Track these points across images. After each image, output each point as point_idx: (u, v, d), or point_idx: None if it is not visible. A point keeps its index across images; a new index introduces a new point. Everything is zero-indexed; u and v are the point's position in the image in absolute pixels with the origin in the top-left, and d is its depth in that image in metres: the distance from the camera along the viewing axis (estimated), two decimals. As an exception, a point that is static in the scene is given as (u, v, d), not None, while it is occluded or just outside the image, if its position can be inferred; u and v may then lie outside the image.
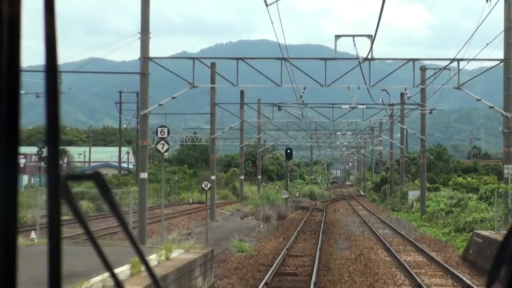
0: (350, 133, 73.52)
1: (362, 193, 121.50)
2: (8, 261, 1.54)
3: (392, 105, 60.04)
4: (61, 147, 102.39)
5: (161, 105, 36.76)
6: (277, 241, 39.35)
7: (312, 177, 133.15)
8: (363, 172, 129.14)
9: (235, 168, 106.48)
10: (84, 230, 1.72)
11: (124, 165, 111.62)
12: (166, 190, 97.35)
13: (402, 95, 68.87)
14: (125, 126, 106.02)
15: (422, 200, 56.85)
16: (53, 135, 1.58)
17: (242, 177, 74.02)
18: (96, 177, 1.71)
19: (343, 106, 44.49)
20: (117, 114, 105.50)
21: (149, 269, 1.93)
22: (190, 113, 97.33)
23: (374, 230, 46.60)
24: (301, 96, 37.59)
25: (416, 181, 78.01)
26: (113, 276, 1.80)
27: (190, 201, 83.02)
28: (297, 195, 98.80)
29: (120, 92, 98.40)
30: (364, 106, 45.24)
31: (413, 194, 69.15)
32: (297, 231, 44.98)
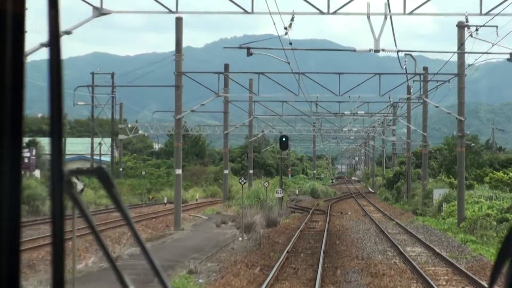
0: (362, 112, 56.89)
1: (371, 190, 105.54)
2: (11, 256, 1.51)
3: (420, 75, 44.32)
4: (32, 138, 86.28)
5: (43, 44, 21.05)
6: (250, 273, 23.55)
7: (314, 172, 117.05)
8: (372, 167, 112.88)
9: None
10: (88, 225, 1.70)
11: (104, 158, 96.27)
12: (146, 187, 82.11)
13: (425, 69, 53.15)
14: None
15: (460, 202, 41.02)
16: (57, 131, 1.56)
17: (227, 172, 58.30)
18: (99, 172, 1.70)
19: (358, 49, 28.84)
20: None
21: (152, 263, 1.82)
22: (149, 86, 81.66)
23: (400, 247, 30.82)
24: (285, 31, 21.80)
25: (442, 176, 62.21)
26: (116, 270, 1.75)
27: (165, 201, 67.17)
28: (297, 193, 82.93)
29: (93, 73, 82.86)
30: (396, 49, 29.52)
31: (439, 194, 53.32)
32: (287, 251, 29.27)
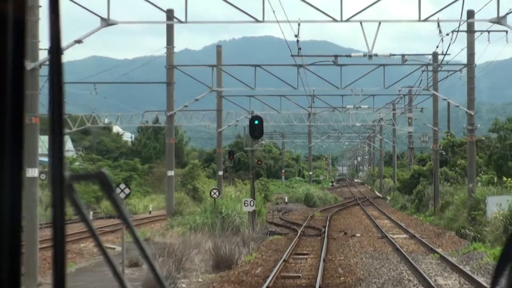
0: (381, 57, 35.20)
1: (379, 194, 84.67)
2: (12, 256, 1.48)
3: None
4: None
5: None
6: None
7: (310, 173, 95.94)
8: (380, 166, 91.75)
9: (196, 161, 70.19)
10: (88, 229, 1.69)
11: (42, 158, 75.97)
12: (92, 195, 61.59)
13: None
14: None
15: None
16: (58, 135, 1.53)
17: (172, 173, 37.50)
18: (100, 176, 1.67)
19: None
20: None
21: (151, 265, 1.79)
22: None
23: None
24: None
25: (483, 176, 41.62)
26: (116, 274, 1.72)
27: (103, 215, 46.62)
28: (286, 201, 62.17)
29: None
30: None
31: (498, 203, 32.62)
32: None
